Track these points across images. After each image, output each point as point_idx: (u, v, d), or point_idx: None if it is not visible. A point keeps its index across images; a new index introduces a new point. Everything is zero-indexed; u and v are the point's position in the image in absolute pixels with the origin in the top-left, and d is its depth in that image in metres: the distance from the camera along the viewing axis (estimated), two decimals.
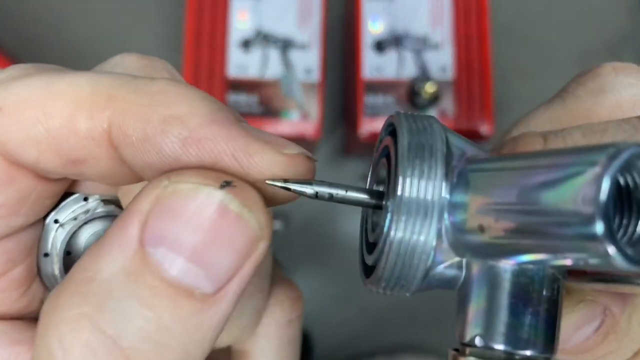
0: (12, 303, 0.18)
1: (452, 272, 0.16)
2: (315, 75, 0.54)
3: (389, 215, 0.15)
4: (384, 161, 0.18)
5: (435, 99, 0.53)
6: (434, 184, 0.15)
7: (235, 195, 0.15)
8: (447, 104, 0.54)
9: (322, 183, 0.17)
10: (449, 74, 0.55)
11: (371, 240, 0.17)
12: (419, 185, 0.15)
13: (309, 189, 0.16)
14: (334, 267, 0.65)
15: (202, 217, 0.14)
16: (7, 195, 0.17)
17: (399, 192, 0.15)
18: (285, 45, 0.54)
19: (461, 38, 0.55)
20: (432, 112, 0.54)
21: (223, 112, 0.16)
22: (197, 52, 0.53)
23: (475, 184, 0.15)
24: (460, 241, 0.15)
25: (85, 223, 0.19)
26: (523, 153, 0.16)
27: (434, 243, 0.15)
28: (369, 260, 0.17)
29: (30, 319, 0.19)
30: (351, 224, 0.66)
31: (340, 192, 0.17)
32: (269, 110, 0.53)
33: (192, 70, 0.53)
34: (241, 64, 0.54)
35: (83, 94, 0.16)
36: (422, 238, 0.15)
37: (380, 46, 0.55)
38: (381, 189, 0.18)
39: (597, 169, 0.12)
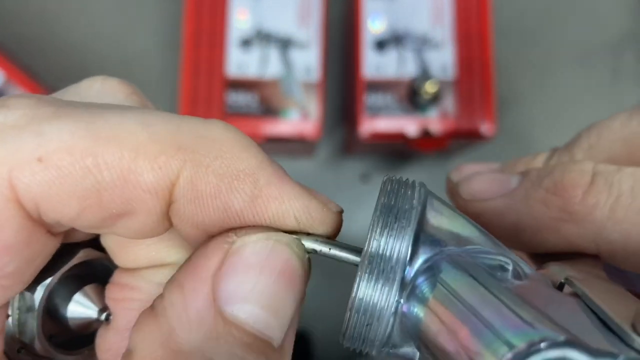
0: None
1: (409, 349, 0.16)
2: (315, 75, 0.54)
3: (357, 272, 0.16)
4: None
5: (435, 98, 0.53)
6: (399, 248, 0.16)
7: (296, 242, 0.16)
8: (448, 103, 0.54)
9: (311, 237, 0.17)
10: (450, 73, 0.54)
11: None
12: (386, 244, 0.16)
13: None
14: (334, 267, 0.64)
15: (274, 264, 0.15)
16: (21, 259, 0.14)
17: (365, 249, 0.16)
18: (285, 44, 0.54)
19: (462, 37, 0.55)
20: (433, 111, 0.54)
21: (278, 166, 0.16)
22: (196, 51, 0.53)
23: (437, 295, 0.16)
24: (409, 332, 0.16)
25: (63, 274, 0.17)
26: (489, 285, 0.16)
27: (392, 309, 0.16)
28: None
29: None
30: (351, 223, 0.65)
31: (324, 249, 0.17)
32: (269, 110, 0.53)
33: (191, 69, 0.53)
34: (241, 63, 0.53)
35: (141, 140, 0.14)
36: (382, 302, 0.15)
37: (380, 45, 0.55)
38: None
39: (508, 355, 0.13)
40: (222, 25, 0.54)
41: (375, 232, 0.16)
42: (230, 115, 0.53)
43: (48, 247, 0.15)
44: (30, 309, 0.16)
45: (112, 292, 0.17)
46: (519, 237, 0.20)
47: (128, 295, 0.17)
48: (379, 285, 0.15)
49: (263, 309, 0.14)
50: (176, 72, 0.65)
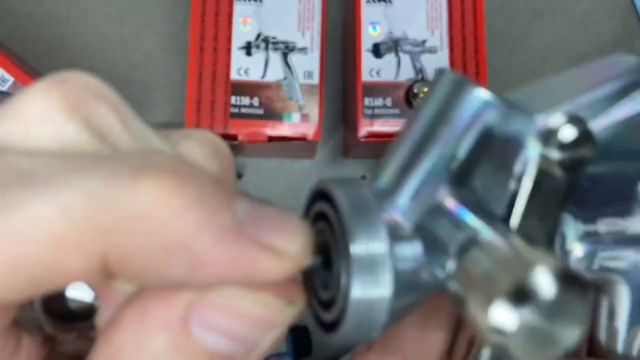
0: None
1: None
2: (316, 78, 0.55)
3: (343, 275, 0.17)
4: (320, 226, 0.19)
5: None
6: (380, 238, 0.17)
7: (284, 295, 0.16)
8: None
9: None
10: None
11: (325, 299, 0.18)
12: (367, 243, 0.16)
13: None
14: None
15: (249, 317, 0.15)
16: None
17: (351, 252, 0.16)
18: (286, 49, 0.56)
19: (457, 42, 0.57)
20: None
21: (224, 218, 0.14)
22: (201, 55, 0.55)
23: None
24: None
25: None
26: None
27: (390, 294, 0.16)
28: (328, 317, 0.18)
29: None
30: None
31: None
32: (270, 113, 0.55)
33: (196, 73, 0.55)
34: (243, 67, 0.55)
35: (60, 232, 0.13)
36: (379, 292, 0.16)
37: (378, 49, 0.56)
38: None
39: None
40: (225, 31, 0.56)
41: (353, 229, 0.16)
42: (233, 118, 0.54)
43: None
44: None
45: None
46: None
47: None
48: (372, 276, 0.16)
49: (229, 341, 0.15)
50: (181, 76, 0.67)
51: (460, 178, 0.18)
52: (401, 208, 0.18)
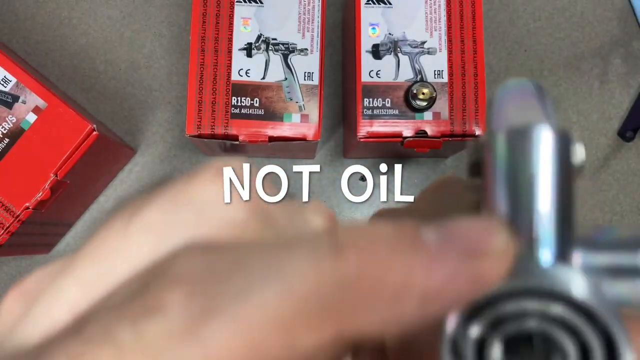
0: None
1: None
2: (316, 79, 0.56)
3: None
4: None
5: (431, 102, 0.55)
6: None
7: None
8: (442, 106, 0.56)
9: None
10: (445, 77, 0.57)
11: None
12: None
13: None
14: None
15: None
16: None
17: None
18: (287, 50, 0.56)
19: (456, 44, 0.57)
20: (429, 114, 0.56)
21: (424, 250, 0.15)
22: (202, 57, 0.55)
23: None
24: None
25: None
26: None
27: None
28: None
29: None
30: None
31: None
32: (271, 113, 0.55)
33: (197, 74, 0.55)
34: (244, 68, 0.56)
35: (292, 315, 0.14)
36: None
37: (378, 51, 0.57)
38: None
39: None
40: (226, 33, 0.56)
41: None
42: (233, 118, 0.55)
43: None
44: None
45: None
46: None
47: None
48: None
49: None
50: (182, 77, 0.67)
51: None
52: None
